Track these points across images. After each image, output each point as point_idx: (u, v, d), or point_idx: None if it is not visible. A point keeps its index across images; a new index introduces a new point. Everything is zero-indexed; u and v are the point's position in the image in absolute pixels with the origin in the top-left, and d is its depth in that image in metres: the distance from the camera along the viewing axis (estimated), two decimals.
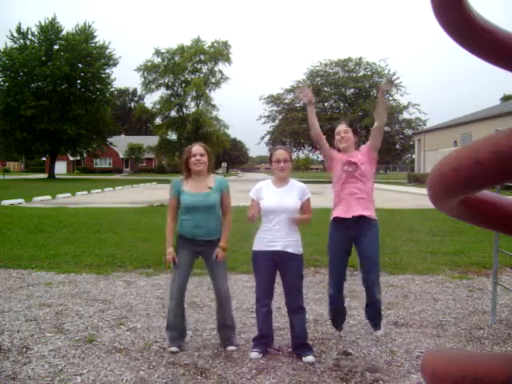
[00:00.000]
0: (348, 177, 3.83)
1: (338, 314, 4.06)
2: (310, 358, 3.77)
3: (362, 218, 3.80)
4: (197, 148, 4.02)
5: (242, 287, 5.87)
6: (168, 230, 4.06)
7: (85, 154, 53.31)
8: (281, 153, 3.93)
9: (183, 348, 3.99)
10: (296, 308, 3.89)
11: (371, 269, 3.80)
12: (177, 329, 4.02)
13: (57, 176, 48.07)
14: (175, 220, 4.10)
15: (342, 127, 3.90)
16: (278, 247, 3.80)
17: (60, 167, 64.20)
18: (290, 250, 3.81)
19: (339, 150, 3.96)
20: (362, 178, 3.82)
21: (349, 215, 3.80)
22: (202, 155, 3.99)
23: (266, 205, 3.87)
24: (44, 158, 63.02)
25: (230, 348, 3.97)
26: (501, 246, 4.90)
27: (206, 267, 4.14)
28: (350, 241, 3.91)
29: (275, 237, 3.81)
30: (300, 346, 3.87)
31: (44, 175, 52.48)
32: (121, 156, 75.17)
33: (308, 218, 3.95)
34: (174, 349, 3.92)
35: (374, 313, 3.94)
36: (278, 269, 3.91)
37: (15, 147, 45.82)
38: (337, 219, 3.89)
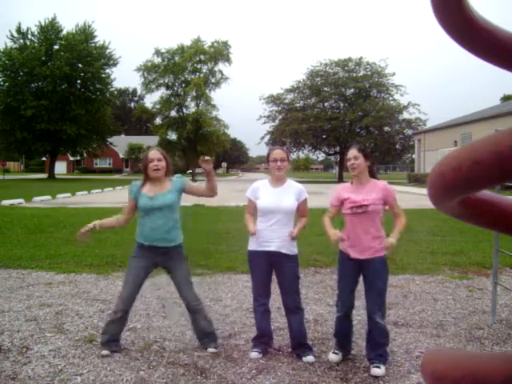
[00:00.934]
0: (356, 216, 3.68)
1: (342, 337, 3.83)
2: (310, 358, 3.76)
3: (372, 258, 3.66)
4: (154, 153, 3.95)
5: (242, 287, 5.87)
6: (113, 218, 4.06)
7: (85, 154, 53.29)
8: (278, 152, 3.91)
9: (116, 351, 3.90)
10: (293, 308, 3.88)
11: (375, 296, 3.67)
12: (111, 335, 3.92)
13: (57, 176, 48.06)
14: (126, 221, 4.10)
15: (352, 153, 3.70)
16: (272, 248, 3.79)
17: (60, 167, 64.19)
18: (284, 250, 3.80)
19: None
20: (371, 215, 3.65)
21: (362, 257, 3.64)
22: (159, 160, 3.92)
23: (262, 205, 3.85)
24: (44, 158, 63.03)
25: (210, 350, 3.92)
26: (501, 246, 4.90)
27: (170, 277, 4.05)
28: (359, 270, 3.74)
29: (270, 237, 3.80)
30: (299, 346, 3.87)
31: (44, 175, 52.46)
32: (121, 156, 75.16)
33: (304, 226, 3.91)
34: (105, 352, 3.84)
35: (374, 341, 3.65)
36: (273, 269, 3.90)
37: (15, 147, 45.81)
38: (347, 257, 3.74)
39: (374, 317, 3.63)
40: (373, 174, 3.81)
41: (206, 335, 4.02)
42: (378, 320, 3.60)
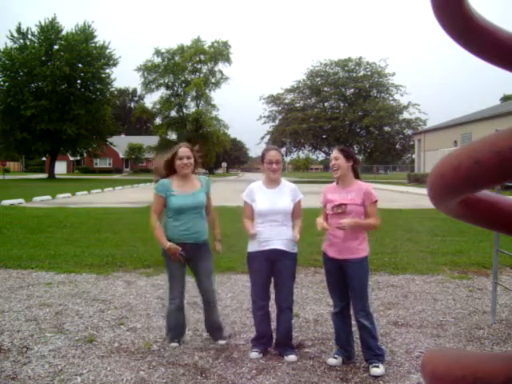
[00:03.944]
0: (337, 216, 3.68)
1: (340, 336, 3.81)
2: (291, 358, 3.78)
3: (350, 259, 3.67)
4: (183, 150, 3.94)
5: (243, 287, 5.87)
6: (159, 233, 3.90)
7: (85, 154, 53.29)
8: (273, 154, 3.92)
9: (183, 343, 4.07)
10: (285, 308, 3.90)
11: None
12: (178, 330, 4.09)
13: (57, 176, 48.07)
14: (160, 221, 4.03)
15: (332, 154, 3.75)
16: (273, 246, 3.81)
17: (60, 167, 64.19)
18: (284, 248, 3.82)
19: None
20: (351, 216, 3.63)
21: (340, 257, 3.66)
22: (188, 158, 3.92)
23: (259, 207, 3.86)
24: (44, 158, 63.02)
25: (221, 342, 4.03)
26: (501, 246, 4.90)
27: (192, 269, 4.11)
28: (341, 269, 3.74)
29: (270, 236, 3.82)
30: (283, 344, 3.89)
31: (44, 175, 52.48)
32: (121, 156, 75.16)
33: (301, 227, 3.91)
34: (175, 344, 4.01)
35: (364, 342, 3.67)
36: (272, 268, 3.89)
37: (15, 147, 45.81)
38: (327, 257, 3.78)
39: (357, 317, 3.68)
40: (357, 175, 3.81)
41: (216, 329, 4.10)
42: (362, 321, 3.64)
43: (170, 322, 4.09)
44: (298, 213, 3.96)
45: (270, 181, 3.95)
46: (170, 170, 3.99)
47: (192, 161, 3.95)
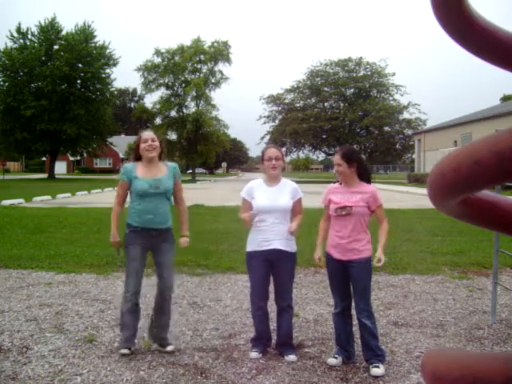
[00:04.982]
0: (341, 217, 3.69)
1: (340, 336, 3.80)
2: (291, 358, 3.77)
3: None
4: (148, 133, 3.93)
5: (242, 287, 5.87)
6: (114, 215, 3.92)
7: (85, 154, 53.29)
8: (273, 151, 3.92)
9: (133, 350, 3.86)
10: (285, 307, 3.90)
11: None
12: (131, 329, 3.88)
13: (57, 176, 48.05)
14: (122, 207, 3.99)
15: (335, 160, 3.74)
16: (272, 246, 3.80)
17: (60, 167, 64.17)
18: (284, 248, 3.81)
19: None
20: (356, 217, 3.64)
21: (344, 258, 3.67)
22: (153, 140, 3.89)
23: (258, 204, 3.85)
24: (44, 158, 63.00)
25: (169, 348, 3.88)
26: (501, 246, 4.90)
27: (154, 261, 3.99)
28: (344, 270, 3.74)
29: (269, 236, 3.80)
30: (284, 344, 3.89)
31: (44, 175, 52.46)
32: (121, 156, 75.16)
33: (300, 222, 3.91)
34: (125, 351, 3.79)
35: (365, 342, 3.66)
36: (271, 268, 3.89)
37: (15, 147, 45.80)
38: (331, 258, 3.78)
39: (359, 317, 3.68)
40: (365, 178, 3.79)
41: (162, 332, 3.95)
42: (364, 321, 3.64)
43: (123, 323, 3.90)
44: (299, 211, 3.95)
45: (271, 178, 3.94)
46: (137, 156, 3.97)
47: (157, 143, 3.90)
